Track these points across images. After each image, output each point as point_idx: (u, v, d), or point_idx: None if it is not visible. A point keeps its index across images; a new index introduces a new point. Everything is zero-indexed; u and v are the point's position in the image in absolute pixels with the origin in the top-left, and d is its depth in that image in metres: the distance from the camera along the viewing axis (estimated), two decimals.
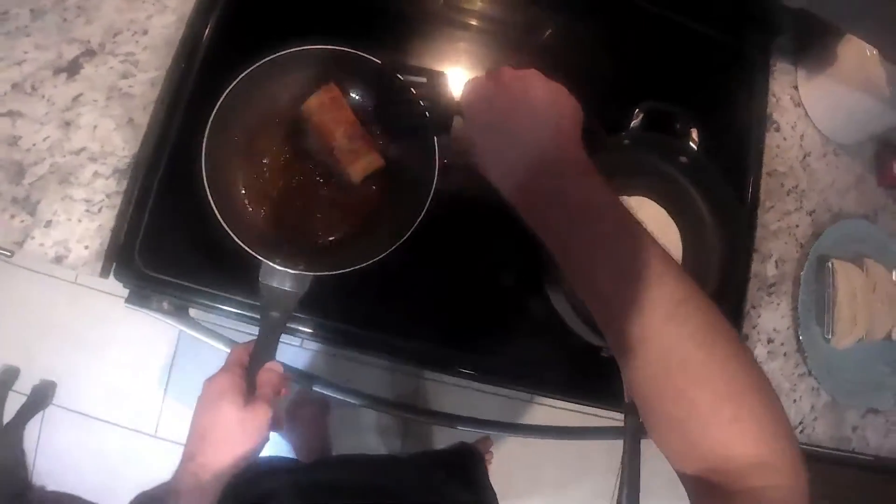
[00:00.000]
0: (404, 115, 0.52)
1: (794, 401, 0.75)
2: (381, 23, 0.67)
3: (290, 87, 0.58)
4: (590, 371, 0.64)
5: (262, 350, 0.51)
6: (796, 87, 0.79)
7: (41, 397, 1.29)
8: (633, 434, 0.60)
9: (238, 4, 0.64)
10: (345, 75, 0.58)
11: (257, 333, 0.52)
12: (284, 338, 0.55)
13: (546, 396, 0.68)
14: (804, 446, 0.85)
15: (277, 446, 1.33)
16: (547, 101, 0.43)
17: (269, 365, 0.50)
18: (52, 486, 1.26)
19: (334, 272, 0.51)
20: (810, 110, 0.78)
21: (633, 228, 0.39)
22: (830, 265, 0.73)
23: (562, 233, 0.40)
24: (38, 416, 1.29)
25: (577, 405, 0.67)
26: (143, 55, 0.62)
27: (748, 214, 0.73)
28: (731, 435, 0.34)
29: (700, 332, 0.35)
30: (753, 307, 0.73)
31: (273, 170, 0.58)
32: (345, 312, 0.62)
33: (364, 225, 0.59)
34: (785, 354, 0.74)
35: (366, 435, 1.42)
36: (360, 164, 0.57)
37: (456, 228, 0.63)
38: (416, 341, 0.63)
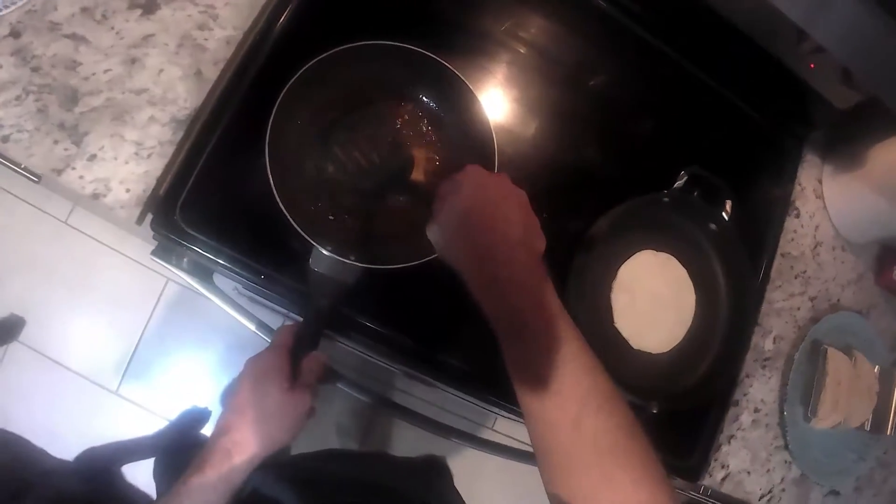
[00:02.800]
0: None
1: (768, 470, 0.78)
2: (438, 29, 0.68)
3: (366, 78, 0.59)
4: None
5: (307, 337, 0.51)
6: (820, 181, 0.84)
7: (7, 331, 1.22)
8: None
9: None
10: (418, 77, 0.59)
11: (303, 319, 0.52)
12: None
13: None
14: None
15: None
16: (503, 209, 0.45)
17: (313, 354, 0.50)
18: None
19: (388, 266, 0.51)
20: (829, 205, 0.83)
21: (567, 331, 0.41)
22: (824, 350, 0.77)
23: (505, 327, 0.42)
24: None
25: None
26: (223, 10, 0.61)
27: (758, 289, 0.77)
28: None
29: (626, 424, 0.39)
30: (747, 376, 0.77)
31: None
32: (380, 312, 0.61)
33: (415, 223, 0.59)
34: (767, 425, 0.78)
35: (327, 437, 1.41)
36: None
37: None
38: (433, 350, 0.64)
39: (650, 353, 0.69)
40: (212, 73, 0.60)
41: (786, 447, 0.78)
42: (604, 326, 0.68)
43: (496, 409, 0.71)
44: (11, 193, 1.27)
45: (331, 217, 0.57)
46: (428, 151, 0.62)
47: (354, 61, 0.57)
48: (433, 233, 0.48)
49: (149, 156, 0.57)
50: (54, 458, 0.87)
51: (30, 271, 1.27)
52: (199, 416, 1.16)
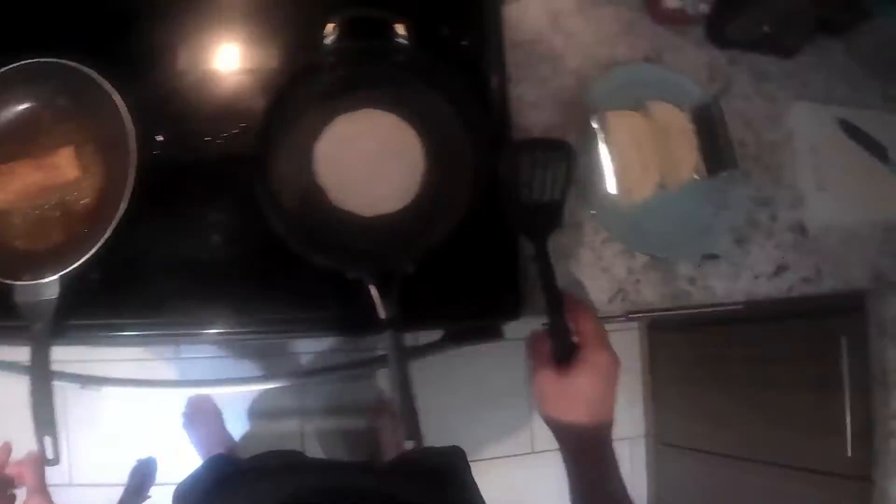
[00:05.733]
0: None
1: (604, 269, 0.71)
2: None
3: None
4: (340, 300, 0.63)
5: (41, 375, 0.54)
6: None
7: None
8: (397, 345, 0.59)
9: None
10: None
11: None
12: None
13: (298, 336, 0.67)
14: (636, 314, 0.81)
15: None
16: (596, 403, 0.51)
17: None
18: None
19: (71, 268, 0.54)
20: None
21: None
22: (597, 117, 0.68)
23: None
24: None
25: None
26: None
27: (498, 92, 0.70)
28: None
29: None
30: None
31: None
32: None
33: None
34: (578, 225, 0.70)
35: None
36: None
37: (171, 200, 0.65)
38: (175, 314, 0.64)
39: (389, 214, 0.65)
40: None
41: (614, 239, 0.70)
42: (325, 209, 0.64)
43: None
44: None
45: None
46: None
47: None
48: (549, 382, 0.52)
49: None
50: None
51: None
52: (147, 468, 1.25)
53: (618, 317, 0.83)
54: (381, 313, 0.59)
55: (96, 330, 0.63)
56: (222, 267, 0.66)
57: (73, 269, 0.57)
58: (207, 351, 1.50)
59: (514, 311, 0.66)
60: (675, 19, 0.75)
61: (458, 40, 0.70)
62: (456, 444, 0.87)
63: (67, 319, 0.60)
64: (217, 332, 0.65)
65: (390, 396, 1.43)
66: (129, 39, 0.66)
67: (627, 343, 1.75)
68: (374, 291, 0.59)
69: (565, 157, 0.62)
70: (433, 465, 0.81)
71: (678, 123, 0.71)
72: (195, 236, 0.66)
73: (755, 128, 0.79)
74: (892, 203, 0.83)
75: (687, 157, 0.71)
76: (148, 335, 0.64)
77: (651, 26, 0.76)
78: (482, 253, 0.66)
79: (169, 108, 0.67)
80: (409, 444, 0.55)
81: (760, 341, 1.14)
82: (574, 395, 0.50)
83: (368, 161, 0.65)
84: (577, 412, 0.50)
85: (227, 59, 0.68)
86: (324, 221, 0.64)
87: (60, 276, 0.57)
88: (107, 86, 0.61)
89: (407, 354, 0.59)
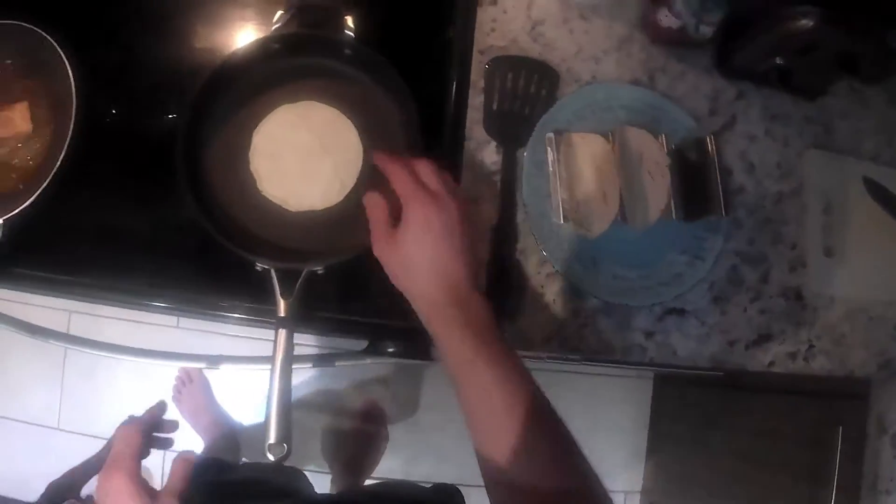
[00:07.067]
0: None
1: (545, 306, 0.63)
2: None
3: None
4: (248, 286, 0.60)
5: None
6: None
7: None
8: (285, 345, 0.56)
9: None
10: None
11: None
12: None
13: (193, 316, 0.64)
14: (568, 359, 0.74)
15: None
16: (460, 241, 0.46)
17: (181, 456, 0.51)
18: None
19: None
20: None
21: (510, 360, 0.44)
22: (550, 136, 0.61)
23: (457, 356, 0.44)
24: None
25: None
26: None
27: (456, 98, 0.64)
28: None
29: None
30: (473, 201, 0.64)
31: None
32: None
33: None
34: (522, 251, 0.63)
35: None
36: None
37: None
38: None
39: (315, 211, 0.61)
40: None
41: (557, 271, 0.63)
42: (252, 196, 0.62)
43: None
44: None
45: None
46: None
47: None
48: (385, 252, 0.47)
49: None
50: (22, 503, 1.01)
51: None
52: None
53: (571, 358, 0.75)
54: (278, 310, 0.56)
55: (31, 280, 0.64)
56: (147, 238, 0.65)
57: (12, 215, 0.60)
58: (205, 325, 1.54)
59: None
60: (674, 40, 0.67)
61: (421, 38, 0.66)
62: (453, 483, 0.81)
63: (8, 266, 0.63)
64: (131, 300, 0.64)
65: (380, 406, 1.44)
66: (93, 8, 0.67)
67: (639, 394, 1.63)
68: (276, 286, 0.56)
69: (549, 80, 0.65)
70: None
71: (653, 155, 0.63)
72: (129, 206, 0.66)
73: (758, 174, 0.69)
74: None
75: (658, 194, 0.62)
76: (73, 292, 0.64)
77: (648, 46, 0.68)
78: None
79: (123, 81, 0.67)
80: (275, 450, 0.51)
81: (762, 412, 1.01)
82: (403, 258, 0.46)
83: (304, 154, 0.62)
84: (413, 275, 0.46)
85: (183, 37, 0.68)
86: (249, 209, 0.62)
87: (3, 219, 0.60)
88: (60, 50, 0.62)
89: (291, 358, 0.55)
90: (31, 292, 0.66)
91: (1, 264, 0.63)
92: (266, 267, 0.57)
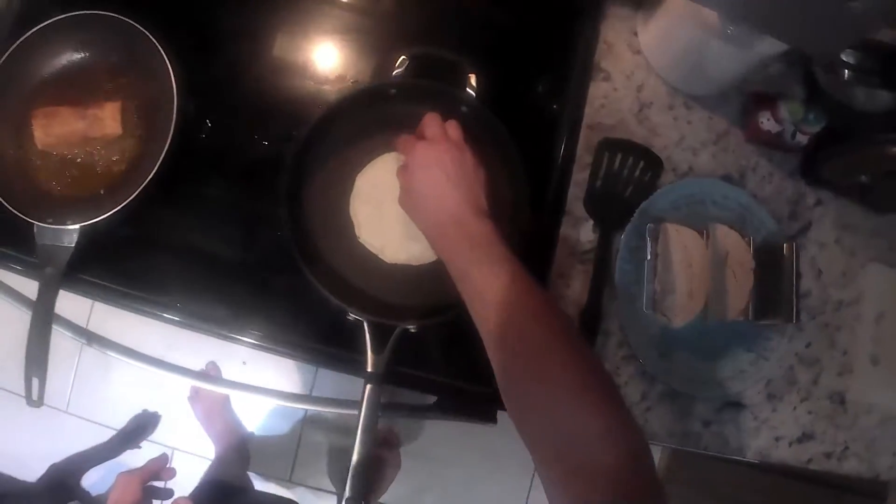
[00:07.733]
0: None
1: (620, 386, 0.65)
2: None
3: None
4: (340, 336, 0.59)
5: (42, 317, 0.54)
6: (636, 34, 0.69)
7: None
8: (371, 402, 0.55)
9: None
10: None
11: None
12: None
13: (293, 358, 0.64)
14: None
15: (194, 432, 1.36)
16: (454, 168, 0.52)
17: None
18: None
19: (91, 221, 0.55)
20: (652, 58, 0.68)
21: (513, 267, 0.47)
22: (651, 227, 0.63)
23: (459, 271, 0.49)
24: None
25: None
26: None
27: (561, 170, 0.65)
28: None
29: (564, 332, 0.45)
30: (561, 276, 0.64)
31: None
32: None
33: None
34: (605, 331, 0.65)
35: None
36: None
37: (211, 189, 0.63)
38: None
39: (411, 266, 0.61)
40: None
41: (634, 356, 0.65)
42: (349, 242, 0.61)
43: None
44: None
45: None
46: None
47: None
48: (401, 196, 0.55)
49: None
50: (21, 482, 0.96)
51: None
52: (149, 420, 1.22)
53: None
54: (368, 366, 0.56)
55: (100, 290, 0.62)
56: (229, 266, 0.64)
57: (93, 223, 0.58)
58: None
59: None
60: (769, 143, 0.69)
61: (535, 106, 0.66)
62: None
63: (78, 272, 0.61)
64: (204, 327, 0.62)
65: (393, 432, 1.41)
66: (203, 14, 0.64)
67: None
68: (368, 341, 0.56)
69: (652, 167, 0.66)
70: None
71: (739, 256, 0.65)
72: (214, 229, 0.64)
73: (824, 280, 0.72)
74: None
75: (739, 295, 0.65)
76: (145, 310, 0.62)
77: (742, 144, 0.70)
78: None
79: (224, 94, 0.65)
80: None
81: (776, 497, 1.04)
82: (409, 192, 0.54)
83: None
84: (419, 204, 0.53)
85: (296, 63, 0.66)
86: (345, 255, 0.61)
87: (81, 226, 0.58)
88: (163, 51, 0.59)
89: (377, 413, 0.55)
90: (101, 301, 0.63)
91: (71, 271, 0.60)
92: (359, 318, 0.57)
